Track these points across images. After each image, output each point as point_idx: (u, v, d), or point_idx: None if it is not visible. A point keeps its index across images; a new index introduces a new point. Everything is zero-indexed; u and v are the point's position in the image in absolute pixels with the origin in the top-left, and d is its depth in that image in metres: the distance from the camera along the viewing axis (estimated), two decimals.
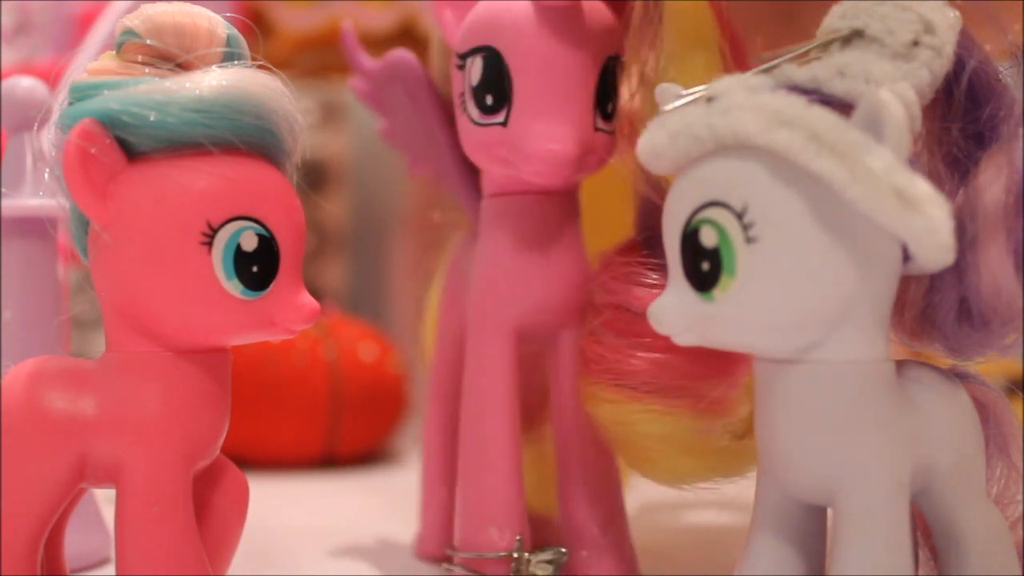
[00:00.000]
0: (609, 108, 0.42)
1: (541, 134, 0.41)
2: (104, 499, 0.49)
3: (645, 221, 0.42)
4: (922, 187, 0.29)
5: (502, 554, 0.43)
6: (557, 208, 0.44)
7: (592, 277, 0.43)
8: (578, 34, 0.41)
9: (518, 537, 0.43)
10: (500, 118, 0.41)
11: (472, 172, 0.48)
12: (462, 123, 0.43)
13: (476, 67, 0.42)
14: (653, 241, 0.40)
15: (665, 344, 0.38)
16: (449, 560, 0.44)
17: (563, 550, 0.44)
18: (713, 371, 0.40)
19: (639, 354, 0.40)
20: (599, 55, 0.42)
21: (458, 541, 0.44)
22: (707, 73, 0.39)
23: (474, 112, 0.42)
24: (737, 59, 0.41)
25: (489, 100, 0.42)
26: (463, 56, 0.42)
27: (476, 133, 0.42)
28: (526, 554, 0.43)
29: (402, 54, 0.49)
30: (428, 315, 0.53)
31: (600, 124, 0.42)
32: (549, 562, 0.43)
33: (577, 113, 0.41)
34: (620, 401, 0.41)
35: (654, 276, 0.41)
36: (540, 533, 0.46)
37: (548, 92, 0.41)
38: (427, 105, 0.49)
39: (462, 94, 0.43)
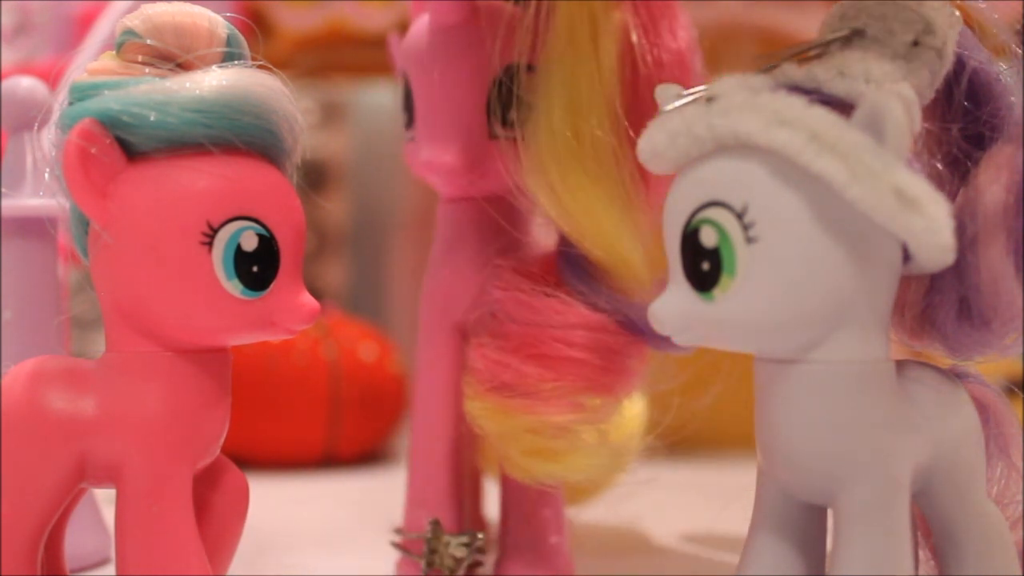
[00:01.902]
0: (510, 115, 0.44)
1: (425, 148, 0.44)
2: (104, 499, 0.49)
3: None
4: (922, 187, 0.29)
5: (418, 535, 0.46)
6: (504, 212, 0.45)
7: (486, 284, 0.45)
8: (466, 49, 0.44)
9: (432, 520, 0.46)
10: (411, 134, 0.46)
11: None
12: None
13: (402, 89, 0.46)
14: (570, 258, 0.42)
15: (540, 353, 0.41)
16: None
17: (479, 535, 0.46)
18: (592, 385, 0.42)
19: (511, 360, 0.42)
20: (491, 65, 0.44)
21: (401, 522, 0.47)
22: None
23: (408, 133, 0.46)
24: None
25: (405, 118, 0.46)
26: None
27: (407, 148, 0.46)
28: (445, 537, 0.46)
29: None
30: None
31: (499, 131, 0.44)
32: (465, 545, 0.46)
33: (463, 125, 0.44)
34: (490, 401, 0.43)
35: (565, 287, 0.42)
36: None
37: (433, 108, 0.44)
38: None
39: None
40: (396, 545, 0.47)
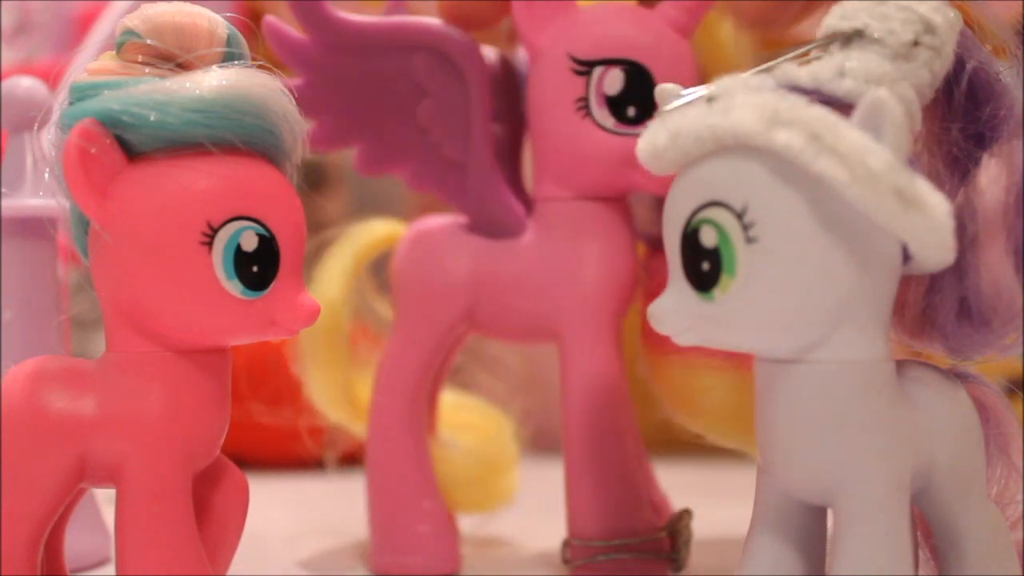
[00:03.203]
0: None
1: None
2: (104, 499, 0.49)
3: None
4: (922, 187, 0.29)
5: (661, 534, 0.45)
6: (626, 210, 0.47)
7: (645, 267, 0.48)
8: (695, 62, 0.46)
9: (684, 510, 0.46)
10: (641, 130, 0.43)
11: (500, 168, 0.48)
12: (578, 126, 0.45)
13: (614, 78, 0.44)
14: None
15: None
16: (596, 552, 0.45)
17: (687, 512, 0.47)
18: None
19: None
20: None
21: (605, 530, 0.45)
22: None
23: (607, 120, 0.45)
24: None
25: (632, 112, 0.44)
26: (590, 63, 0.45)
27: (607, 140, 0.45)
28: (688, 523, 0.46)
29: (443, 25, 0.48)
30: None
31: None
32: (688, 527, 0.46)
33: None
34: (690, 364, 0.45)
35: None
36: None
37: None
38: (478, 92, 0.48)
39: (582, 98, 0.45)
40: (615, 553, 0.45)
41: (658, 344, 0.47)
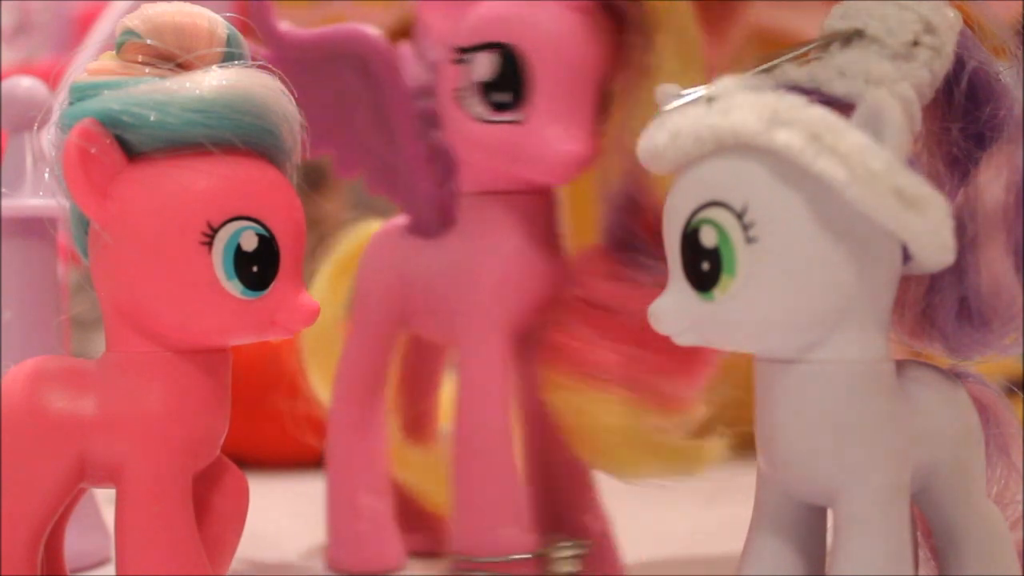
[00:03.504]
0: (605, 113, 0.43)
1: (562, 135, 0.41)
2: (104, 499, 0.49)
3: (614, 222, 0.43)
4: (922, 187, 0.29)
5: (529, 555, 0.43)
6: (548, 205, 0.45)
7: (568, 273, 0.44)
8: (592, 38, 0.42)
9: (553, 533, 0.44)
10: (515, 116, 0.42)
11: (431, 168, 0.47)
12: (458, 119, 0.43)
13: (486, 63, 0.42)
14: (623, 242, 0.42)
15: (632, 338, 0.40)
16: (466, 567, 0.44)
17: (585, 543, 0.44)
18: (677, 368, 0.41)
19: (606, 346, 0.42)
20: (606, 60, 0.42)
21: (472, 546, 0.44)
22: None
23: (481, 110, 0.42)
24: None
25: (503, 98, 0.42)
26: (466, 50, 0.42)
27: (481, 131, 0.42)
28: (563, 547, 0.43)
29: (361, 30, 0.47)
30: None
31: (598, 127, 0.43)
32: (575, 557, 0.43)
33: (589, 115, 0.42)
34: (583, 390, 0.42)
35: (628, 272, 0.42)
36: (437, 535, 0.49)
37: (569, 92, 0.41)
38: (393, 94, 0.46)
39: (459, 89, 0.43)
40: (479, 571, 0.43)
41: (551, 359, 0.44)
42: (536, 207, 0.44)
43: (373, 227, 0.53)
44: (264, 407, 0.70)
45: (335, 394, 0.50)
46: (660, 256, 0.40)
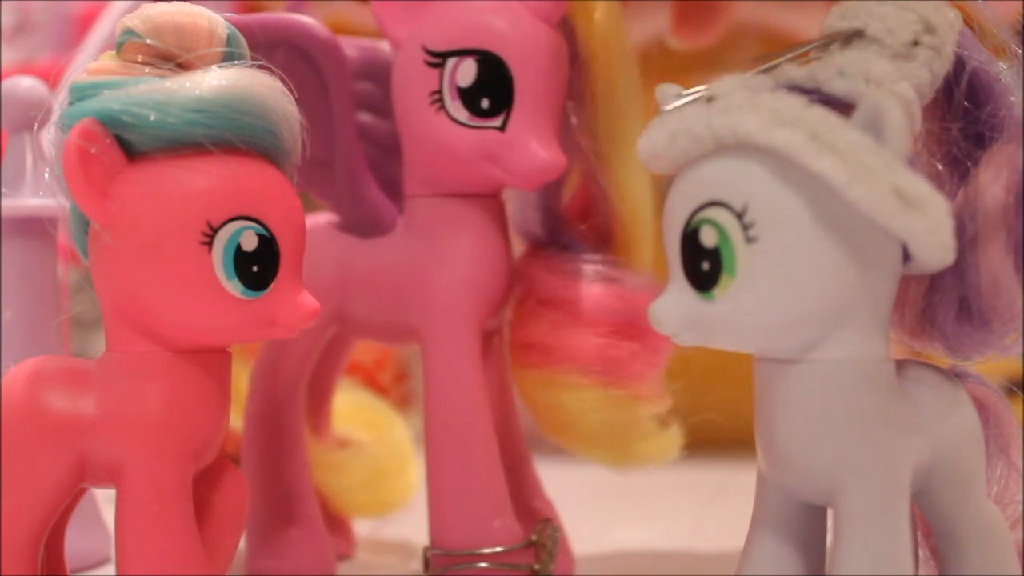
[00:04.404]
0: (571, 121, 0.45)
1: (542, 143, 0.42)
2: (104, 499, 0.49)
3: (535, 221, 0.47)
4: (922, 187, 0.29)
5: (522, 544, 0.43)
6: (500, 208, 0.46)
7: (517, 272, 0.46)
8: (563, 54, 0.44)
9: (544, 519, 0.45)
10: (496, 122, 0.43)
11: (368, 169, 0.47)
12: (431, 121, 0.43)
13: (467, 69, 0.42)
14: (550, 238, 0.46)
15: (585, 323, 0.44)
16: (454, 562, 0.43)
17: (556, 527, 0.45)
18: (635, 353, 0.44)
19: (565, 336, 0.44)
20: (567, 72, 0.44)
21: (459, 540, 0.43)
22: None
23: (461, 113, 0.43)
24: None
25: (485, 104, 0.42)
26: (443, 54, 0.43)
27: (460, 134, 0.43)
28: (553, 534, 0.44)
29: (304, 21, 0.46)
30: None
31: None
32: (556, 542, 0.44)
33: (558, 125, 0.44)
34: (554, 383, 0.44)
35: (562, 264, 0.45)
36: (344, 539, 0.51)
37: (547, 104, 0.43)
38: (338, 88, 0.46)
39: (436, 92, 0.43)
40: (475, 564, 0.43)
41: (520, 358, 0.46)
42: (491, 209, 0.45)
43: None
44: None
45: (252, 399, 0.48)
46: (586, 247, 0.45)
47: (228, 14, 0.44)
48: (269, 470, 0.48)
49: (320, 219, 0.48)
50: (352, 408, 0.55)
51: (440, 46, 0.43)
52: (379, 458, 0.52)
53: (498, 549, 0.43)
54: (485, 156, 0.43)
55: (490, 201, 0.45)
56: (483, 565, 0.43)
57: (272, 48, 0.43)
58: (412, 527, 0.50)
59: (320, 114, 0.45)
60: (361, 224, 0.46)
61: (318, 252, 0.46)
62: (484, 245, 0.45)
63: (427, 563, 0.44)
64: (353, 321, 0.47)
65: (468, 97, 0.43)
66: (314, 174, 0.46)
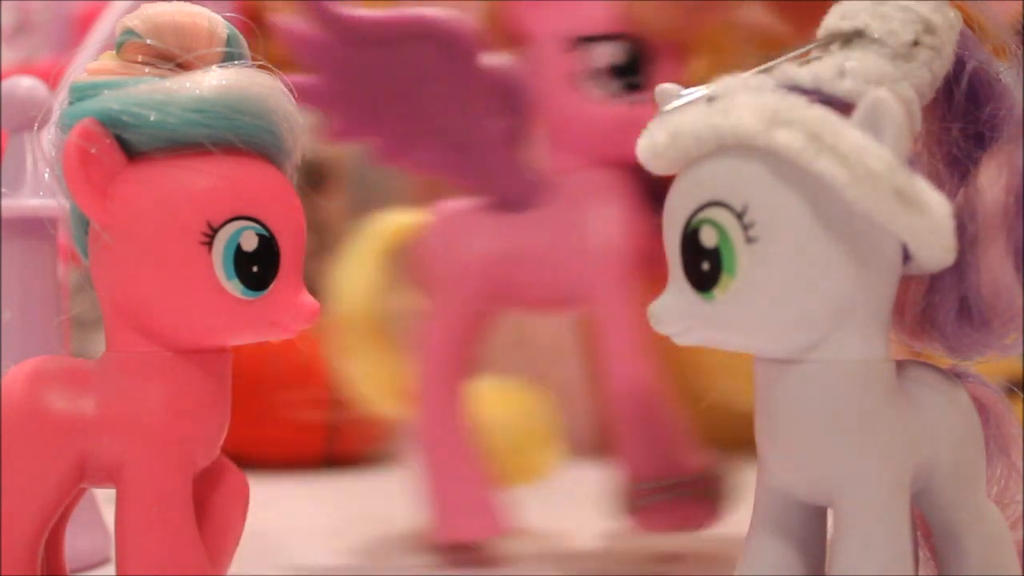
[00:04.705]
0: None
1: None
2: (104, 499, 0.49)
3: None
4: (922, 187, 0.29)
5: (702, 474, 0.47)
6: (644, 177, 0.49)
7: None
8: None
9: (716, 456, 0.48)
10: (638, 98, 0.47)
11: (512, 146, 0.50)
12: (572, 101, 0.48)
13: (615, 50, 0.47)
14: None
15: None
16: (653, 493, 0.47)
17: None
18: None
19: None
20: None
21: (652, 471, 0.47)
22: None
23: (609, 91, 0.47)
24: None
25: (630, 82, 0.47)
26: (588, 40, 0.47)
27: (606, 110, 0.47)
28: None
29: (439, 14, 0.50)
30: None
31: None
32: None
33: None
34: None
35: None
36: None
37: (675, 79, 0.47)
38: (476, 74, 0.49)
39: (578, 72, 0.47)
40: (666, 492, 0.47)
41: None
42: (635, 177, 0.48)
43: (401, 218, 0.54)
44: (267, 407, 0.71)
45: (424, 374, 0.51)
46: None
47: (379, 12, 0.47)
48: (449, 444, 0.50)
49: (467, 203, 0.50)
50: (494, 385, 0.57)
51: (582, 31, 0.48)
52: (523, 429, 0.55)
53: (688, 478, 0.47)
54: (626, 129, 0.46)
55: (633, 171, 0.47)
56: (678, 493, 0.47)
57: (415, 42, 0.49)
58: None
59: (456, 100, 0.49)
60: (510, 199, 0.49)
61: (474, 231, 0.50)
62: (633, 208, 0.48)
63: (625, 497, 0.47)
64: (512, 294, 0.50)
65: (615, 76, 0.48)
66: (454, 159, 0.50)
